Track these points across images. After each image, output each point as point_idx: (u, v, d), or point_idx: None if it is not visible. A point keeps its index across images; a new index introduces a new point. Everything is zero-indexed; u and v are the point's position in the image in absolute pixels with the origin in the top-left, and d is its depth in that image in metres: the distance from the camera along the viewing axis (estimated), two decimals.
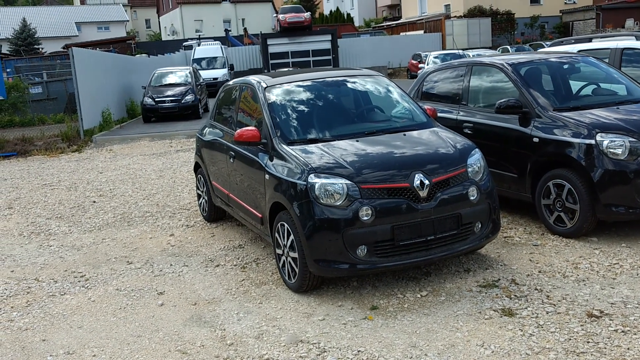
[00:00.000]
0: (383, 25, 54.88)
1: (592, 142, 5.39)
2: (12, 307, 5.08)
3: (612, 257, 5.18)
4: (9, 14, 58.58)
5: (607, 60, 7.72)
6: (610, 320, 4.05)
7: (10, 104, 18.60)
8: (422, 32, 44.61)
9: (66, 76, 21.35)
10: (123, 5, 71.47)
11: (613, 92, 6.52)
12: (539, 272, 4.96)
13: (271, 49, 36.50)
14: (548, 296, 4.48)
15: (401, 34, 46.58)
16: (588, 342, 3.79)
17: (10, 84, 19.00)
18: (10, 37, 49.92)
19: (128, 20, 69.92)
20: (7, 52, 43.94)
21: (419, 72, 25.08)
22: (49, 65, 28.94)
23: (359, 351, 3.88)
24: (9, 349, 4.31)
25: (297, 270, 4.78)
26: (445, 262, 5.26)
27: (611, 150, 5.32)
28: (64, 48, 43.41)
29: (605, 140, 5.35)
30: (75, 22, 63.97)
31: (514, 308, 4.32)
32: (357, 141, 5.02)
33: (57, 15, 64.15)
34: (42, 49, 49.78)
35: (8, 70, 26.53)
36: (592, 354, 3.65)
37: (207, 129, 7.20)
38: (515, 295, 4.53)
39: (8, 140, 15.15)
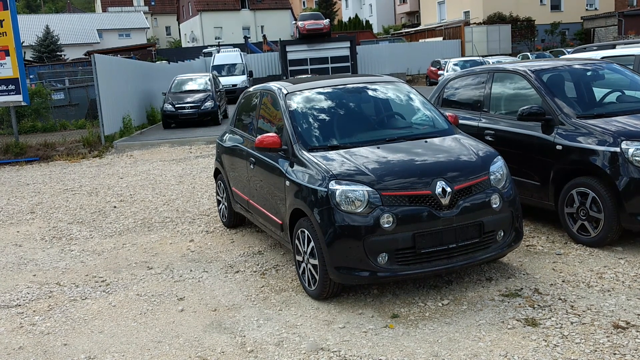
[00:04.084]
0: (402, 32, 54.80)
1: (617, 149, 5.30)
2: (34, 311, 5.12)
3: (638, 267, 5.08)
4: (32, 21, 59.50)
5: (631, 67, 7.61)
6: (637, 331, 3.97)
7: (33, 110, 18.86)
8: (441, 38, 44.45)
9: (88, 82, 21.60)
10: (144, 13, 72.32)
11: (638, 99, 6.42)
12: (563, 281, 4.88)
13: (290, 56, 36.63)
14: (572, 306, 4.41)
15: (420, 40, 46.46)
16: (614, 353, 3.72)
17: (33, 90, 19.27)
18: (33, 44, 50.75)
19: (149, 28, 70.71)
20: (31, 59, 44.65)
21: (438, 79, 24.98)
22: (71, 71, 29.36)
23: None
24: (31, 352, 4.34)
25: (317, 277, 4.75)
26: (467, 271, 5.20)
27: (637, 158, 5.23)
28: (85, 55, 44.03)
29: (630, 148, 5.26)
30: (97, 29, 64.90)
31: (538, 318, 4.26)
32: (378, 148, 5.00)
33: (79, 23, 65.13)
34: (65, 55, 50.54)
35: (31, 76, 26.94)
36: None
37: (227, 135, 7.23)
38: (539, 305, 4.46)
39: (31, 146, 15.34)
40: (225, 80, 28.63)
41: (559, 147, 5.79)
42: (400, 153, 4.92)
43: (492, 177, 4.82)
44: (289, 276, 5.49)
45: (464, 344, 3.98)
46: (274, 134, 5.42)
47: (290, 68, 36.12)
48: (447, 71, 25.95)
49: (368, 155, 4.87)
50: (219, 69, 31.79)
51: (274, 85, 6.16)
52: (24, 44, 19.27)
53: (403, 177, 4.60)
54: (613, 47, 9.52)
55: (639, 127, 5.46)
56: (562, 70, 6.61)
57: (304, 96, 5.74)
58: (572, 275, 4.99)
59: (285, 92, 5.79)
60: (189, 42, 64.29)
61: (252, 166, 6.04)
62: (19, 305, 5.28)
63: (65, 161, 14.18)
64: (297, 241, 5.02)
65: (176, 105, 19.24)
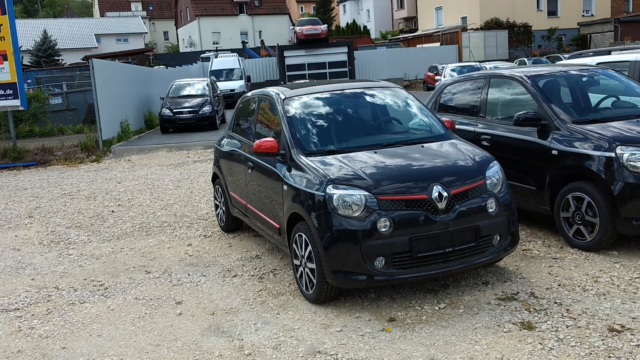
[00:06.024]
0: (399, 38, 54.95)
1: (612, 155, 5.35)
2: (32, 314, 5.13)
3: (633, 270, 5.12)
4: (30, 26, 59.58)
5: (626, 73, 7.67)
6: (632, 335, 4.01)
7: (31, 114, 18.88)
8: (438, 44, 44.60)
9: (86, 87, 21.62)
10: (142, 18, 72.44)
11: (633, 104, 6.47)
12: (559, 285, 4.92)
13: (288, 61, 36.73)
14: (568, 310, 4.44)
15: (417, 46, 46.58)
16: (609, 356, 3.75)
17: (31, 94, 19.30)
18: (31, 48, 50.77)
19: (146, 32, 70.82)
20: (28, 64, 44.66)
21: (435, 84, 25.05)
22: (69, 76, 29.32)
23: None
24: (30, 356, 4.36)
25: (314, 281, 4.78)
26: (463, 275, 5.24)
27: (631, 163, 5.28)
28: (83, 59, 44.00)
29: (625, 153, 5.31)
30: (95, 34, 65.03)
31: (534, 321, 4.29)
32: (376, 153, 5.03)
33: (77, 27, 65.25)
34: (62, 60, 50.52)
35: (29, 81, 26.94)
36: None
37: (225, 139, 7.26)
38: (535, 309, 4.49)
39: (28, 150, 15.36)
40: (223, 85, 28.68)
41: (554, 152, 5.83)
42: (397, 158, 4.95)
43: (488, 181, 4.86)
44: (287, 280, 5.51)
45: (460, 347, 4.01)
46: (272, 139, 5.46)
47: (288, 73, 36.19)
48: (444, 76, 26.01)
49: (365, 160, 4.90)
50: (216, 74, 31.83)
51: (271, 90, 6.20)
52: (21, 49, 19.26)
53: (400, 182, 4.64)
54: (609, 53, 9.59)
55: (634, 133, 5.51)
56: (558, 76, 6.67)
57: (302, 101, 5.78)
58: (568, 279, 5.03)
59: (283, 97, 5.83)
60: (186, 47, 64.40)
61: (250, 171, 6.07)
62: (18, 309, 5.29)
63: (63, 166, 14.18)
64: (294, 245, 5.04)
65: (174, 110, 19.27)
